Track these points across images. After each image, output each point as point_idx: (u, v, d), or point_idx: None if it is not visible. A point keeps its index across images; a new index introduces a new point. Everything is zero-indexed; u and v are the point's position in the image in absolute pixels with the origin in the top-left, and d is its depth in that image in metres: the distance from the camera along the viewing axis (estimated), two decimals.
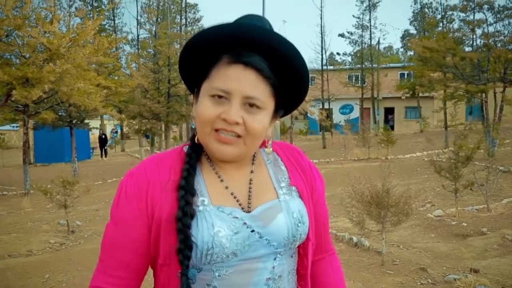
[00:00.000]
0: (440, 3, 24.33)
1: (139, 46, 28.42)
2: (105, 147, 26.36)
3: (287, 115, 1.24)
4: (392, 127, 31.64)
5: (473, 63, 15.45)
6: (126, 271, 1.08)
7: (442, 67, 16.49)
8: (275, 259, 1.09)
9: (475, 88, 15.14)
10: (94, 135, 27.25)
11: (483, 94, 15.69)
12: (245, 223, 1.05)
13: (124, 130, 29.60)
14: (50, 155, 22.12)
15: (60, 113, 15.63)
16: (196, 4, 34.70)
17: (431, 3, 31.37)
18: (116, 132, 35.14)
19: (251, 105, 1.04)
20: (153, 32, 21.97)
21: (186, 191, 1.04)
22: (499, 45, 15.91)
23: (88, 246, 6.65)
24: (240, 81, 1.02)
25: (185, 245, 1.00)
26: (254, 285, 1.06)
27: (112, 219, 1.10)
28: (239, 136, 1.05)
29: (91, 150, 26.27)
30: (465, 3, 16.53)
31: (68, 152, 18.11)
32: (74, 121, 16.13)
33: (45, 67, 10.89)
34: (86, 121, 17.83)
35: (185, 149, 1.15)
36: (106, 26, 33.57)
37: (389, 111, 36.68)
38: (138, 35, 30.95)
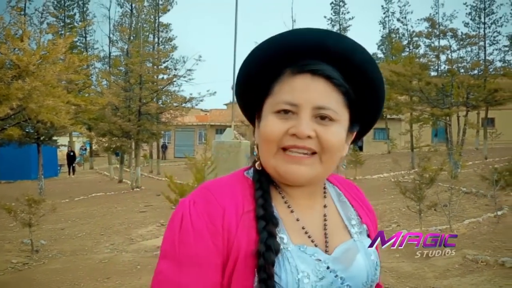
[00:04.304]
0: (407, 29, 25.18)
1: (110, 64, 28.20)
2: (73, 165, 25.96)
3: (363, 135, 1.06)
4: (361, 148, 32.16)
5: (437, 88, 16.03)
6: None
7: (408, 90, 17.03)
8: None
9: (440, 112, 15.66)
10: (62, 152, 26.73)
11: (447, 118, 16.24)
12: (328, 267, 0.90)
13: (94, 147, 29.18)
14: (15, 172, 21.52)
15: (27, 130, 15.34)
16: (169, 24, 34.74)
17: (398, 29, 32.37)
18: (85, 149, 34.55)
19: (323, 117, 0.89)
20: (125, 50, 21.88)
21: (267, 221, 0.87)
22: (462, 71, 16.58)
23: (52, 266, 6.53)
24: (308, 91, 0.89)
25: (267, 286, 0.83)
26: None
27: (171, 260, 0.87)
28: (313, 153, 0.89)
29: (59, 167, 25.76)
30: (430, 30, 17.18)
31: (35, 169, 17.70)
32: (42, 138, 15.84)
33: (14, 84, 10.71)
34: (55, 138, 17.52)
35: (247, 174, 0.98)
36: (78, 43, 33.29)
37: None
38: (110, 53, 30.75)
